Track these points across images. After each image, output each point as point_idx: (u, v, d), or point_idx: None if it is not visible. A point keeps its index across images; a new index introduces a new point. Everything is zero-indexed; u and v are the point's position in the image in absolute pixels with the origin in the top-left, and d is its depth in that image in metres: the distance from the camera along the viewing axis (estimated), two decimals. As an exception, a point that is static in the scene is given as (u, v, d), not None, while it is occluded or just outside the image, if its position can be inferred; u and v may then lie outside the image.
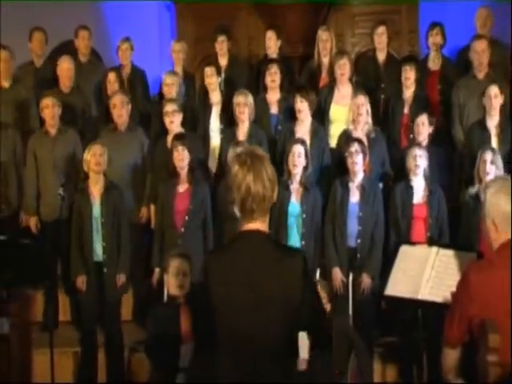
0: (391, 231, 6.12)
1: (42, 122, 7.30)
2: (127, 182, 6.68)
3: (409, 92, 7.12)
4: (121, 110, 6.84)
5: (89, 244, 6.11)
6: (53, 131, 6.82)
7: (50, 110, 6.76)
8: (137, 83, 8.06)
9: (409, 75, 7.08)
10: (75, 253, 6.12)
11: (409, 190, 6.12)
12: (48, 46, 8.25)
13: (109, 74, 7.55)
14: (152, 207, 6.75)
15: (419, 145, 6.35)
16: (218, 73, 7.42)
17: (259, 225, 3.00)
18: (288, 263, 2.94)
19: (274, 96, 7.29)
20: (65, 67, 7.47)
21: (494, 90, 6.55)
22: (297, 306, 2.91)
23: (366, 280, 6.01)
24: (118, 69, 7.87)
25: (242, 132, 6.82)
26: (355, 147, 6.14)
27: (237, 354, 2.94)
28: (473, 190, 6.00)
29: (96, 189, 6.19)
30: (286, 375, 2.95)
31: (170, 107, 6.81)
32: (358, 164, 6.13)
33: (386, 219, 6.18)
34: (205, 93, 7.55)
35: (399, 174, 6.65)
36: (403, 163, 6.29)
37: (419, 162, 6.07)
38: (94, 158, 6.15)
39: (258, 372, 2.91)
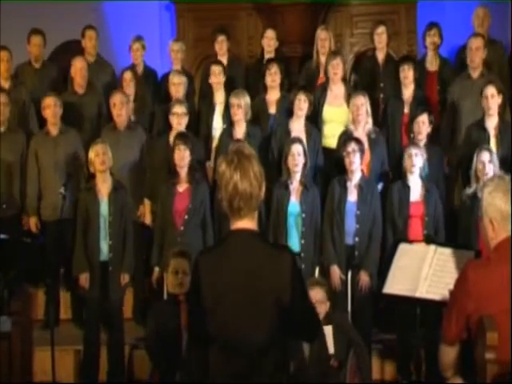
0: (388, 230, 6.16)
1: (40, 122, 7.35)
2: (127, 181, 6.68)
3: (408, 91, 7.13)
4: (121, 109, 6.86)
5: (95, 242, 6.10)
6: (54, 131, 6.84)
7: (51, 109, 6.77)
8: (149, 83, 8.05)
9: (407, 74, 7.09)
10: (79, 250, 6.11)
11: (406, 188, 6.16)
12: (49, 46, 8.22)
13: (124, 73, 7.53)
14: (147, 204, 6.78)
15: (416, 144, 6.37)
16: (225, 72, 7.43)
17: (247, 223, 3.02)
18: (277, 260, 2.96)
19: (273, 96, 7.30)
20: (79, 67, 7.45)
21: (490, 90, 6.52)
22: (287, 302, 2.92)
23: (364, 278, 6.05)
24: (133, 68, 7.87)
25: (239, 132, 6.84)
26: (352, 146, 6.16)
27: (228, 351, 2.96)
28: (470, 190, 6.04)
29: (104, 187, 6.19)
30: (277, 373, 2.97)
31: (179, 109, 6.80)
32: (356, 163, 6.16)
33: (384, 218, 6.22)
34: (208, 92, 7.56)
35: (398, 172, 6.71)
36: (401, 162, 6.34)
37: (415, 161, 6.11)
38: (98, 157, 6.13)
39: (249, 370, 2.93)
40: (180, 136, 6.44)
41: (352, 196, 6.17)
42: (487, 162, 5.98)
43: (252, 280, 2.94)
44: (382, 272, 5.12)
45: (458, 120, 7.05)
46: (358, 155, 6.16)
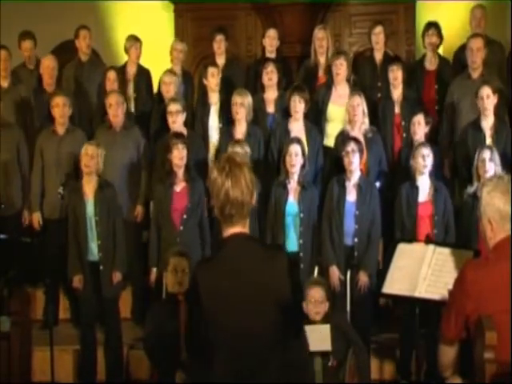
0: (397, 230, 6.12)
1: (41, 121, 7.33)
2: (123, 181, 6.68)
3: (397, 92, 7.13)
4: (117, 110, 6.82)
5: (84, 243, 6.10)
6: (61, 130, 6.83)
7: (60, 108, 6.76)
8: (142, 82, 8.02)
9: (396, 75, 7.08)
10: (72, 252, 6.11)
11: (414, 189, 6.11)
12: (48, 46, 8.21)
13: (108, 72, 7.50)
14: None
15: (425, 144, 6.30)
16: (220, 74, 7.43)
17: (240, 229, 3.05)
18: (273, 261, 3.00)
19: (271, 95, 7.29)
20: (45, 65, 7.42)
21: (486, 90, 6.49)
22: (286, 301, 2.96)
23: (363, 278, 6.05)
24: (118, 67, 7.84)
25: (240, 131, 6.83)
26: (351, 146, 6.16)
27: (235, 357, 2.98)
28: (471, 189, 6.02)
29: (89, 188, 6.17)
30: (279, 371, 2.98)
31: (173, 107, 6.79)
32: (355, 163, 6.15)
33: (383, 218, 6.22)
34: (204, 92, 7.56)
35: (396, 172, 6.71)
36: (404, 162, 6.32)
37: (427, 161, 6.07)
38: (85, 157, 6.12)
39: (253, 370, 2.95)
40: (177, 136, 6.44)
41: (351, 196, 6.17)
42: (488, 160, 5.96)
43: (252, 285, 2.97)
44: (382, 272, 5.15)
45: (458, 120, 7.05)
46: (357, 155, 6.15)
